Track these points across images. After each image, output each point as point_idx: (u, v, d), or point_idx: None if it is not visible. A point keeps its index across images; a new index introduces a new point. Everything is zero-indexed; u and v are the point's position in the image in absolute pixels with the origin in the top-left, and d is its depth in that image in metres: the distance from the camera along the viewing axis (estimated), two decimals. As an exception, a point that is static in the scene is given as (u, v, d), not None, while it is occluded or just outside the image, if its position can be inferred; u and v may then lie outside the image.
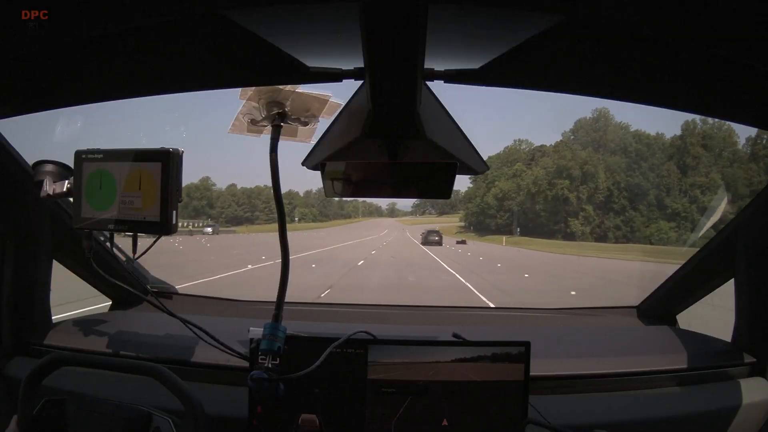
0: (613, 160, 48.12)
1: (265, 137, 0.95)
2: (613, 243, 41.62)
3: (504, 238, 45.69)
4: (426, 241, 34.65)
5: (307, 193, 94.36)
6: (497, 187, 57.26)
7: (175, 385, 0.86)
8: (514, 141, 68.27)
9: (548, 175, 51.12)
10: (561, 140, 54.87)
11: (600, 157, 48.93)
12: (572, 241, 43.27)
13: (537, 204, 50.59)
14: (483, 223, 58.35)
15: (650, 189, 45.18)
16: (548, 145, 57.57)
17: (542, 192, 50.32)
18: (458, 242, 40.79)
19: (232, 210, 72.36)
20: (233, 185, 76.91)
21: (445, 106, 0.98)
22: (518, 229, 50.65)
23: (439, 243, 34.67)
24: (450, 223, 78.91)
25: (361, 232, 56.75)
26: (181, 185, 0.89)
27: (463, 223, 68.79)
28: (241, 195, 74.69)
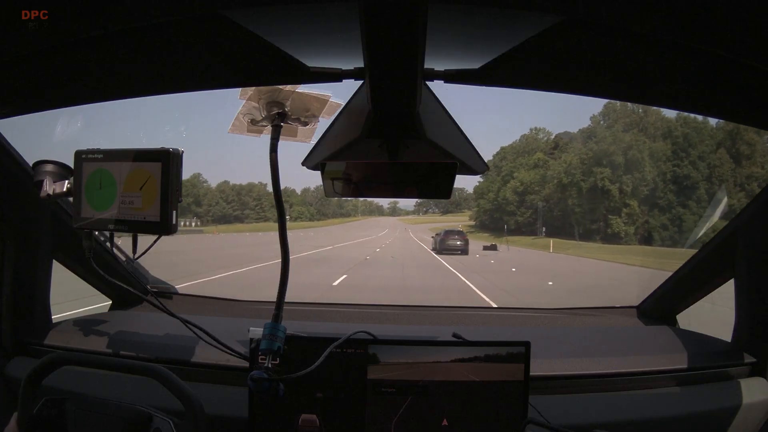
0: (657, 147, 39.17)
1: (265, 137, 0.95)
2: (660, 246, 34.20)
3: (551, 241, 33.52)
4: (443, 248, 23.12)
5: (305, 191, 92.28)
6: (517, 179, 48.67)
7: (175, 385, 0.86)
8: (531, 130, 60.90)
9: (583, 163, 41.05)
10: (589, 125, 45.97)
11: (646, 140, 39.89)
12: (647, 246, 33.30)
13: (570, 198, 41.01)
14: (500, 221, 48.92)
15: (700, 181, 36.48)
16: (573, 131, 49.94)
17: (576, 183, 40.74)
18: (487, 248, 28.00)
19: (220, 208, 68.33)
20: (226, 182, 73.58)
21: (446, 106, 0.98)
22: (543, 229, 41.41)
23: (464, 250, 23.13)
24: (457, 221, 72.07)
25: (355, 233, 49.44)
26: (181, 185, 0.89)
27: (473, 222, 61.07)
28: (231, 192, 70.57)
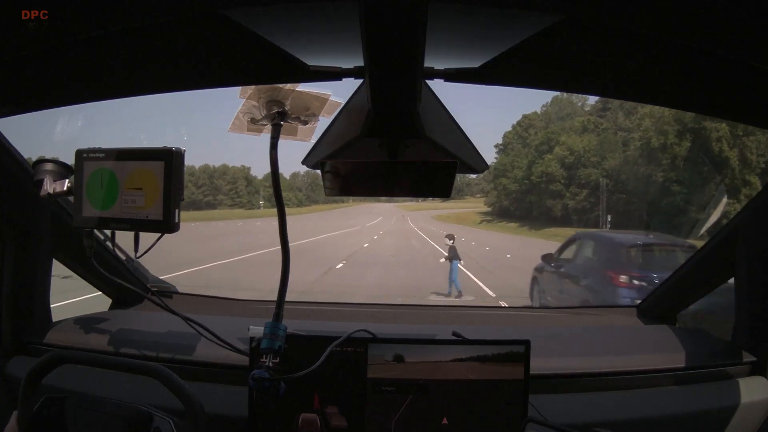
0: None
1: (264, 136, 0.95)
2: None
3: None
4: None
5: (294, 175, 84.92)
6: (563, 145, 33.11)
7: (176, 384, 0.86)
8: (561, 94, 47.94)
9: (678, 119, 24.75)
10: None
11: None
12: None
13: (658, 171, 25.77)
14: (535, 206, 34.00)
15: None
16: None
17: (670, 148, 25.16)
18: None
19: (188, 192, 57.42)
20: (206, 165, 64.89)
21: (445, 105, 0.98)
22: (609, 219, 26.53)
23: None
24: (463, 208, 55.91)
25: (335, 223, 35.65)
26: (183, 184, 0.90)
27: (488, 209, 45.93)
28: (201, 175, 62.13)
